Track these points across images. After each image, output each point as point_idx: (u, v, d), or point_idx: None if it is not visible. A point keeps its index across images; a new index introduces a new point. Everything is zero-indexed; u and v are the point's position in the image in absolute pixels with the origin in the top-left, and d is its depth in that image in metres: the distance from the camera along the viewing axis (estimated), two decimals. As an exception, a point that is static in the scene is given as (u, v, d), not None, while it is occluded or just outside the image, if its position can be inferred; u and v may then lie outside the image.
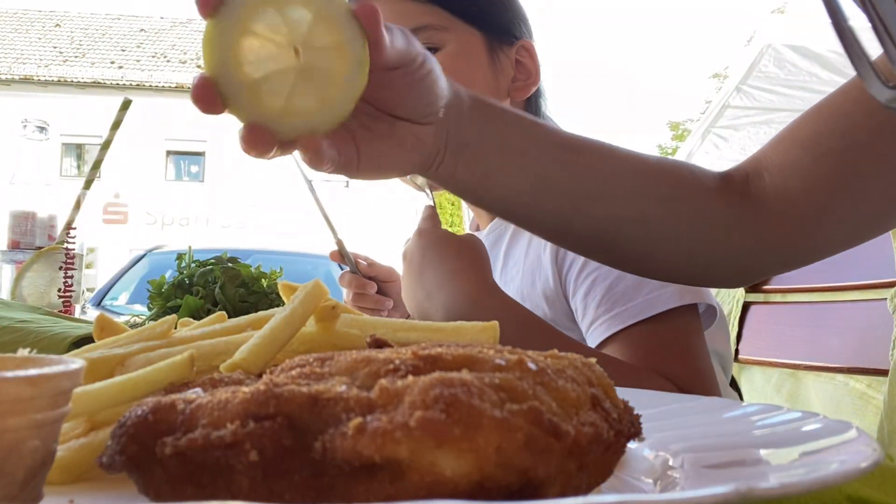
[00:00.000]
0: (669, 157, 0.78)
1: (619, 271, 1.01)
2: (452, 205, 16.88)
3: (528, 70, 1.24)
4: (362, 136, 0.65)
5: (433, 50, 1.18)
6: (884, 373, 1.12)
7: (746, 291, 1.70)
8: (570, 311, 1.12)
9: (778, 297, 1.56)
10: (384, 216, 15.93)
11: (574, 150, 0.73)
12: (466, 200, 0.82)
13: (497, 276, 1.15)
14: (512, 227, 1.24)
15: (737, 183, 0.75)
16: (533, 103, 1.27)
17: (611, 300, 1.03)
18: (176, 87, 17.68)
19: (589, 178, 0.73)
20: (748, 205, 0.74)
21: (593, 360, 0.44)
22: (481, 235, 1.31)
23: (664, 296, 1.00)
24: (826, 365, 1.35)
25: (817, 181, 0.71)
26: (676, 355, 1.00)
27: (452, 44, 1.18)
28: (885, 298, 1.12)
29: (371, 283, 1.33)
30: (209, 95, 0.59)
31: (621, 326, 1.01)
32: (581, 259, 1.08)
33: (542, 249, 1.14)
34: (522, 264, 1.19)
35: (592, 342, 1.06)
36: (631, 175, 0.74)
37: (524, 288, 1.16)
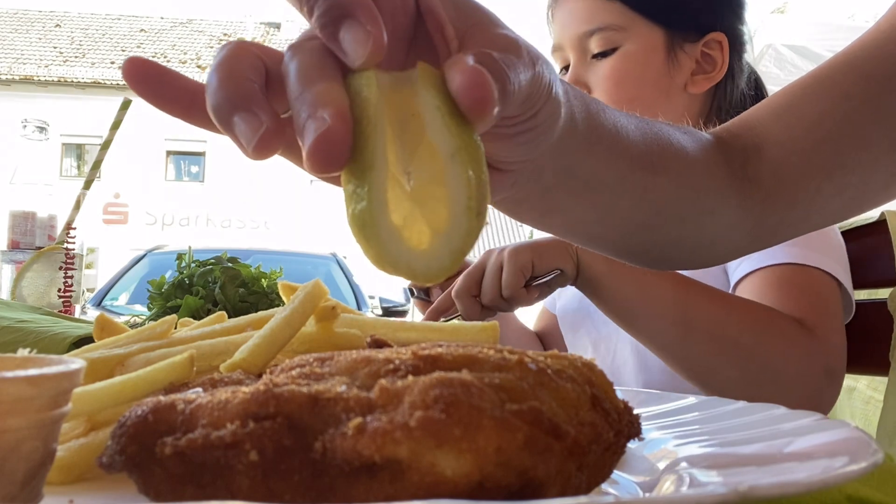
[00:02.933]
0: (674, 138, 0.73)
1: None
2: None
3: (714, 62, 1.19)
4: None
5: (607, 53, 1.15)
6: (884, 372, 1.12)
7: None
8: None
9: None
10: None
11: (648, 169, 0.64)
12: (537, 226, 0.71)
13: None
14: None
15: (734, 161, 0.73)
16: (722, 87, 1.22)
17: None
18: (176, 87, 17.62)
19: (651, 203, 0.66)
20: (744, 187, 0.73)
21: (593, 359, 0.44)
22: None
23: (815, 257, 1.01)
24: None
25: (814, 165, 0.71)
26: (813, 303, 0.99)
27: (630, 44, 1.14)
28: (885, 298, 1.11)
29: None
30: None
31: (770, 262, 1.02)
32: None
33: None
34: None
35: (735, 278, 1.07)
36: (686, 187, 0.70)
37: None
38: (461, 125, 0.37)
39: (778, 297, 1.00)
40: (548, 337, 1.48)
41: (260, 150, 0.38)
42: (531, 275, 1.03)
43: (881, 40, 0.71)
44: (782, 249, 1.03)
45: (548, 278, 1.03)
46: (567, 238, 0.70)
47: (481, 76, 0.37)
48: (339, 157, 0.36)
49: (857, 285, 1.12)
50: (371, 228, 0.35)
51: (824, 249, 1.05)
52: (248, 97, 0.38)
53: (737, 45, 1.22)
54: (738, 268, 1.07)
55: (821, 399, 0.97)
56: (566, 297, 1.37)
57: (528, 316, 1.67)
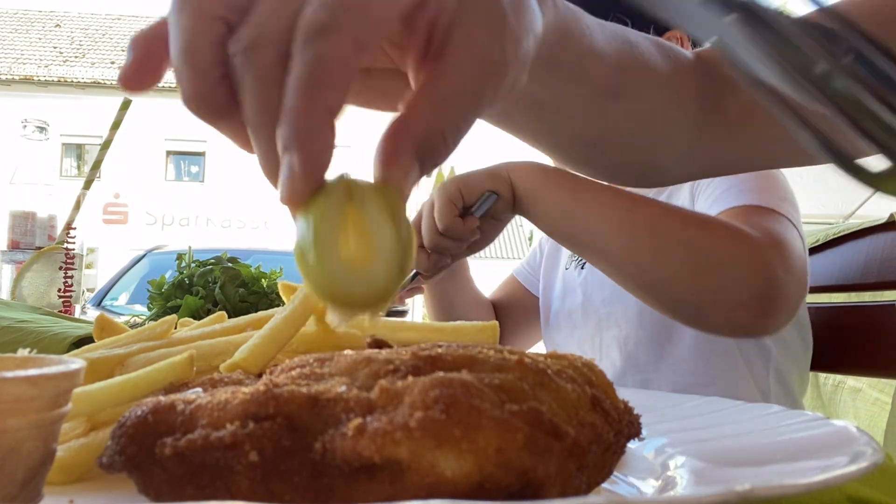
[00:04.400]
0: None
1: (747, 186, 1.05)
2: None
3: None
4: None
5: None
6: (891, 374, 1.12)
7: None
8: None
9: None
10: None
11: (610, 96, 0.64)
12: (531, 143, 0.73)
13: None
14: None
15: (709, 88, 0.72)
16: None
17: (734, 188, 1.06)
18: (176, 87, 17.60)
19: (605, 127, 0.67)
20: (709, 119, 0.72)
21: (593, 360, 0.44)
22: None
23: (784, 207, 1.02)
24: (835, 367, 1.34)
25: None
26: (779, 239, 0.98)
27: None
28: (893, 301, 1.11)
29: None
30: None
31: (737, 203, 1.03)
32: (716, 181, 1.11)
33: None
34: None
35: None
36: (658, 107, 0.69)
37: None
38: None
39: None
40: (506, 307, 1.46)
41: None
42: (463, 204, 1.02)
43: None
44: (745, 193, 1.04)
45: (483, 205, 1.02)
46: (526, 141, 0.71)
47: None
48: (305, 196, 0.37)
49: (866, 287, 1.12)
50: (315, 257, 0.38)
51: (786, 199, 1.06)
52: (221, 110, 0.38)
53: (698, 42, 1.23)
54: (707, 208, 1.08)
55: (764, 311, 0.94)
56: (554, 297, 1.37)
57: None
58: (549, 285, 1.39)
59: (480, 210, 1.02)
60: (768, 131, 0.72)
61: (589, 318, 1.26)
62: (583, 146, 0.69)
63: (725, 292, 0.94)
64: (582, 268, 1.30)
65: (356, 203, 0.37)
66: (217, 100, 0.38)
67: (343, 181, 0.38)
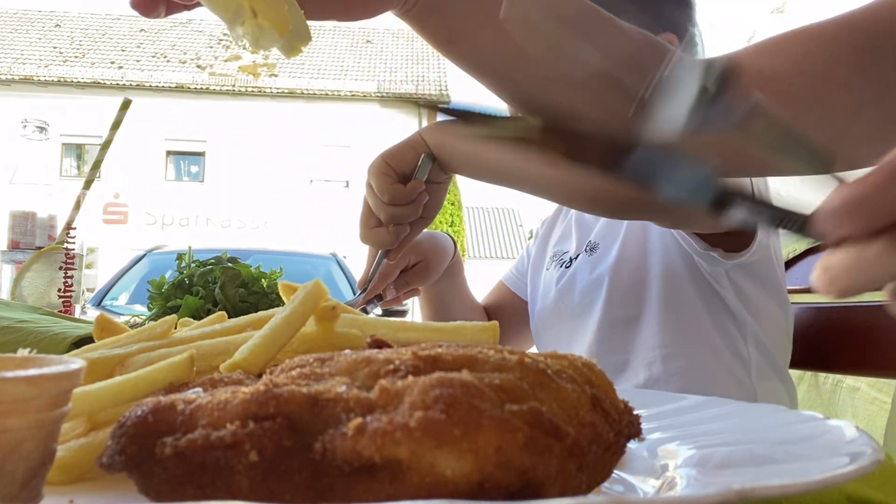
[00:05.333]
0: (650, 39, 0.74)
1: None
2: (452, 205, 16.88)
3: None
4: None
5: None
6: (891, 375, 1.12)
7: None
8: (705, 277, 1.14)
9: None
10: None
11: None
12: (441, 53, 0.80)
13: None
14: None
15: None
16: None
17: None
18: (176, 87, 17.68)
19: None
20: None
21: (594, 360, 0.44)
22: None
23: None
24: (834, 367, 1.34)
25: (794, 95, 0.71)
26: None
27: None
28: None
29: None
30: None
31: None
32: None
33: None
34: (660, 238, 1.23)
35: None
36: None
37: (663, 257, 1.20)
38: None
39: None
40: (496, 311, 1.49)
41: None
42: (395, 172, 1.07)
43: (874, 3, 0.71)
44: None
45: (422, 168, 1.07)
46: (480, 81, 0.75)
47: None
48: None
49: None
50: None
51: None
52: None
53: (688, 46, 1.24)
54: None
55: None
56: (538, 297, 1.38)
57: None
58: (535, 288, 1.41)
59: (422, 173, 1.07)
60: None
61: (568, 312, 1.28)
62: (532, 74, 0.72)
63: None
64: (563, 267, 1.31)
65: None
66: None
67: None
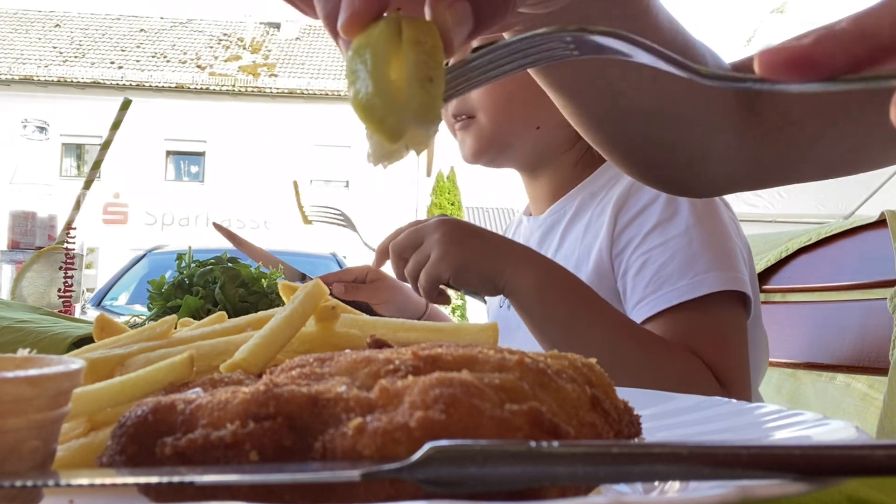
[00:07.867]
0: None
1: (671, 252, 1.05)
2: (452, 205, 16.88)
3: None
4: None
5: None
6: (884, 372, 1.12)
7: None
8: (618, 291, 1.15)
9: (778, 297, 1.56)
10: (383, 215, 15.95)
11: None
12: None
13: (552, 257, 1.19)
14: (572, 211, 1.26)
15: (743, 93, 0.74)
16: None
17: (659, 280, 1.06)
18: (176, 87, 17.69)
19: (658, 93, 0.70)
20: (749, 117, 0.73)
21: (593, 360, 0.44)
22: (538, 221, 1.33)
23: (709, 279, 1.04)
24: (826, 364, 1.35)
25: (820, 109, 0.72)
26: (715, 341, 1.02)
27: None
28: (885, 298, 1.12)
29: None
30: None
31: (666, 306, 1.05)
32: (638, 238, 1.11)
33: (601, 229, 1.17)
34: (578, 247, 1.22)
35: (634, 315, 1.09)
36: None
37: (575, 270, 1.17)
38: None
39: (681, 341, 1.02)
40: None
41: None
42: (448, 285, 1.05)
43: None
44: (674, 286, 1.04)
45: (468, 294, 1.07)
46: (569, 119, 0.73)
47: None
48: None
49: (858, 286, 1.12)
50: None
51: (719, 260, 1.06)
52: None
53: None
54: (637, 309, 1.09)
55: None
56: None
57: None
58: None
59: (465, 293, 1.08)
60: (808, 135, 0.73)
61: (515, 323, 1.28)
62: (637, 116, 0.70)
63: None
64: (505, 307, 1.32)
65: (406, 34, 0.42)
66: None
67: (395, 16, 0.43)
